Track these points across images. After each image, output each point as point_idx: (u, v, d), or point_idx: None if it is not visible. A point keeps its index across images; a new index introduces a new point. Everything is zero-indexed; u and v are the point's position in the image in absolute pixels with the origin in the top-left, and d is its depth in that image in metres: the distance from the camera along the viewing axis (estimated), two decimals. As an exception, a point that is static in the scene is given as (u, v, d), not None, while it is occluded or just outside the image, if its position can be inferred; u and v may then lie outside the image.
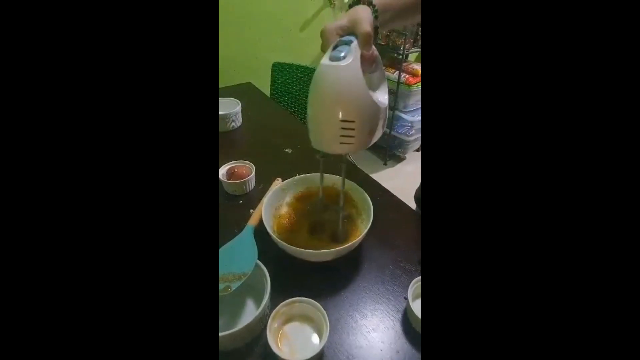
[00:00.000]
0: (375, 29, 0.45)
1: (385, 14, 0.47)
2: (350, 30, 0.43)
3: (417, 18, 0.52)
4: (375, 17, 0.45)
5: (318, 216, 0.61)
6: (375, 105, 0.43)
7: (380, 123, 0.46)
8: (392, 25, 0.53)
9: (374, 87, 0.48)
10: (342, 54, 0.39)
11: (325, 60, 0.40)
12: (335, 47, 0.41)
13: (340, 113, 0.40)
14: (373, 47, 0.44)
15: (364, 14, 0.42)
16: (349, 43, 0.40)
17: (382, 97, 0.47)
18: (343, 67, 0.38)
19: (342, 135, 0.42)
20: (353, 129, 0.41)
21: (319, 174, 0.54)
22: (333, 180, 0.63)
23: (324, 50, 0.43)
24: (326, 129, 0.43)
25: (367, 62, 0.44)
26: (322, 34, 0.43)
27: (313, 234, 0.59)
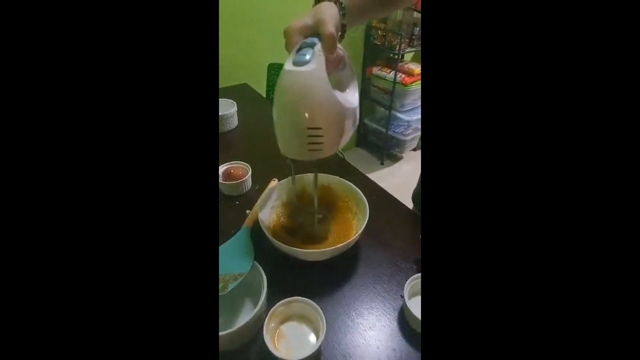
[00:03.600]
0: (343, 26, 0.43)
1: (353, 10, 0.44)
2: (314, 30, 0.40)
3: (385, 12, 0.51)
4: (343, 15, 0.42)
5: (293, 219, 0.60)
6: (342, 108, 0.41)
7: (350, 124, 0.45)
8: (361, 22, 0.50)
9: (342, 87, 0.47)
10: (306, 58, 0.37)
11: (288, 65, 0.38)
12: (298, 50, 0.39)
13: (307, 120, 0.39)
14: (339, 46, 0.42)
15: (328, 12, 0.40)
16: (312, 46, 0.39)
17: (351, 96, 0.46)
18: (307, 72, 0.37)
19: (310, 143, 0.40)
20: (321, 136, 0.40)
21: (316, 174, 0.54)
22: (329, 180, 0.63)
23: (287, 50, 0.41)
24: (293, 137, 0.41)
25: (333, 63, 0.42)
26: (285, 33, 0.41)
27: (290, 234, 0.59)
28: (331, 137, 0.42)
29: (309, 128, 0.39)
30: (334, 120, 0.41)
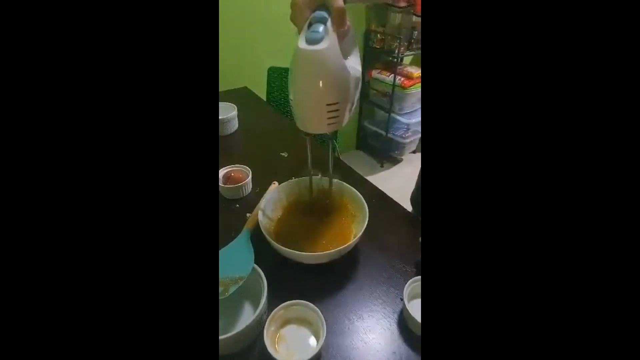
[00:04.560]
0: None
1: None
2: (321, 2, 0.40)
3: None
4: None
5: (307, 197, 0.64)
6: (353, 79, 0.43)
7: (358, 92, 0.47)
8: (360, 1, 0.50)
9: (346, 54, 0.47)
10: (319, 35, 0.37)
11: (302, 43, 0.38)
12: (309, 26, 0.39)
13: (325, 98, 0.41)
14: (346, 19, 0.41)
15: None
16: (323, 21, 0.39)
17: (355, 62, 0.47)
18: (322, 51, 0.38)
19: (329, 117, 0.43)
20: (338, 110, 0.42)
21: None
22: (328, 182, 0.63)
23: (294, 22, 0.41)
24: (313, 113, 0.43)
25: (340, 35, 0.43)
26: (293, 5, 0.40)
27: (305, 214, 0.63)
28: (346, 108, 0.44)
29: (327, 104, 0.41)
30: (349, 93, 0.43)
